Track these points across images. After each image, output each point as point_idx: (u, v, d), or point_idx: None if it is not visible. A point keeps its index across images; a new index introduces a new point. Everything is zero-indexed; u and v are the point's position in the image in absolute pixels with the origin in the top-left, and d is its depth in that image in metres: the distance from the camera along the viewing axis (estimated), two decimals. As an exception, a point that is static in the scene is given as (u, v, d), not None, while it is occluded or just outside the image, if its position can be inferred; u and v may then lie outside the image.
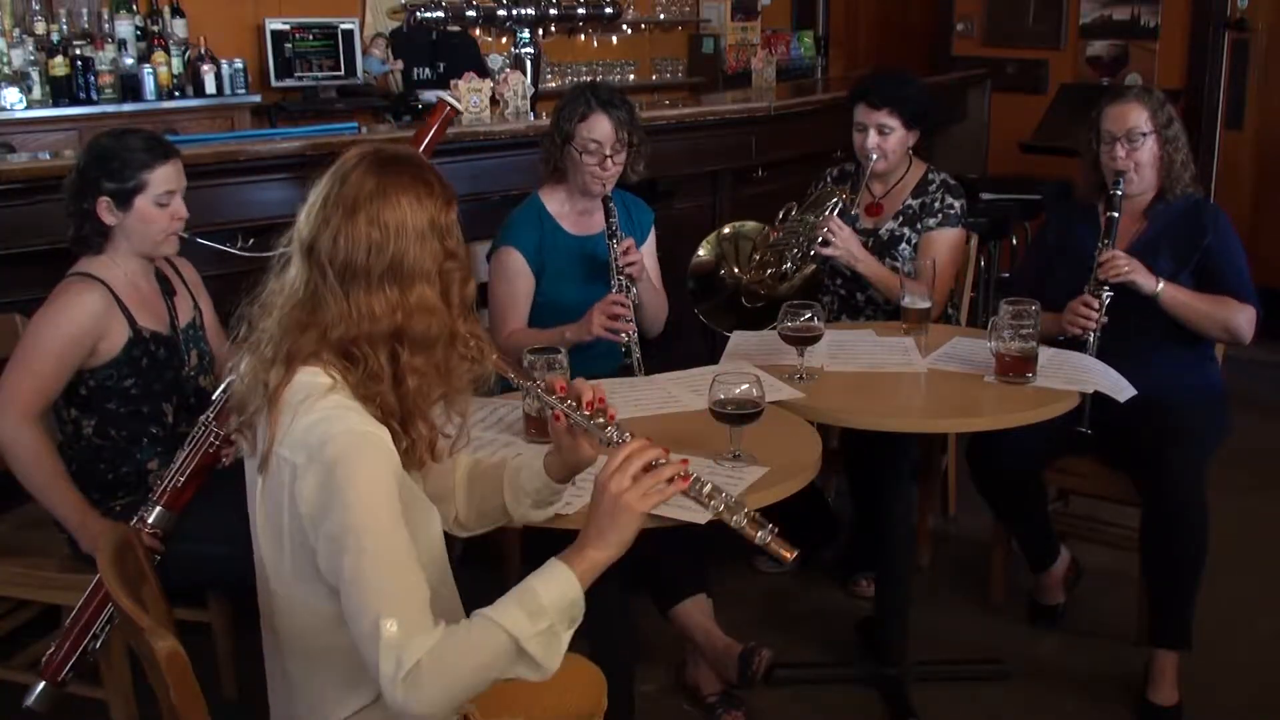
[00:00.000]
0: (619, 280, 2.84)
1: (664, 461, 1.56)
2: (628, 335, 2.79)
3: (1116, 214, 2.89)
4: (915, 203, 3.29)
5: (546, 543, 1.84)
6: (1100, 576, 3.29)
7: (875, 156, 3.21)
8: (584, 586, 1.51)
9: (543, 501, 1.79)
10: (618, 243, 2.87)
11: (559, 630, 1.49)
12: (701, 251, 3.11)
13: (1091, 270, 2.84)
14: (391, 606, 1.42)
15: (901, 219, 3.29)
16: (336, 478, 1.46)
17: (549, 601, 1.47)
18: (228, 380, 2.34)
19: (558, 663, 1.49)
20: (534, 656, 1.46)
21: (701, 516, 1.89)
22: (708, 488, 1.59)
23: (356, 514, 1.45)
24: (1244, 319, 2.85)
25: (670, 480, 1.55)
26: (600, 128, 2.90)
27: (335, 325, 1.52)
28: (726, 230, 3.17)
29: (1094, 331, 2.81)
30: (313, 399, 1.51)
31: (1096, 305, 2.81)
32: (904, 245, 3.26)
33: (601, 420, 1.66)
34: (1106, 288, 2.82)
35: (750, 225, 3.20)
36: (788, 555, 1.57)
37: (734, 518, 1.58)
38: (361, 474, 1.47)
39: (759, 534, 1.57)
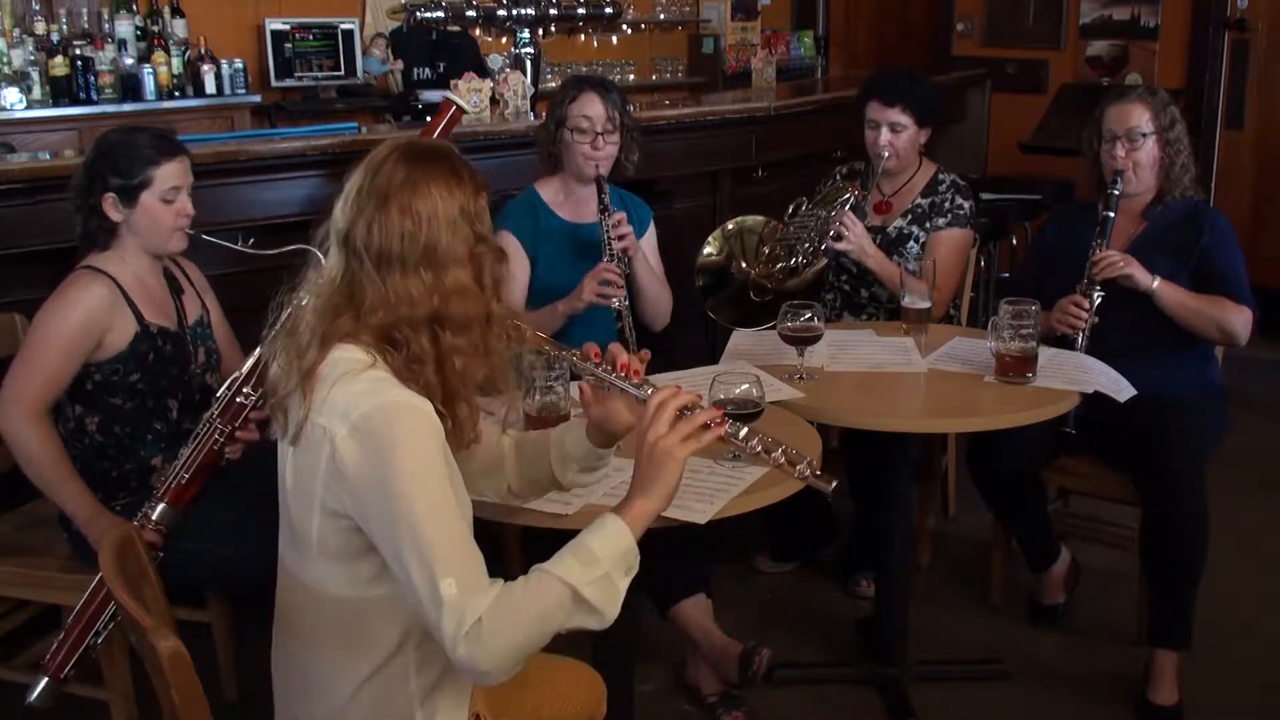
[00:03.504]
0: (611, 252, 2.89)
1: (699, 407, 1.60)
2: (618, 300, 2.86)
3: (1112, 214, 2.90)
4: (924, 202, 3.29)
5: (547, 541, 1.84)
6: (1100, 576, 3.29)
7: (887, 154, 3.20)
8: (635, 536, 1.54)
9: (589, 466, 1.82)
10: (609, 217, 2.92)
11: (615, 577, 1.52)
12: (708, 249, 3.12)
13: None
14: (448, 567, 1.45)
15: (910, 217, 3.28)
16: (386, 447, 1.48)
17: (602, 551, 1.51)
18: (233, 376, 2.34)
19: (616, 610, 1.52)
20: (592, 603, 1.49)
21: (701, 517, 1.90)
22: (744, 431, 1.63)
23: (408, 480, 1.48)
24: (1240, 321, 2.84)
25: (707, 426, 1.59)
26: (591, 106, 2.95)
27: (374, 310, 1.56)
28: (731, 226, 3.18)
29: (1083, 331, 2.81)
30: (352, 372, 1.54)
31: (1087, 305, 2.82)
32: (912, 244, 3.26)
33: (636, 381, 1.70)
34: (1098, 288, 2.83)
35: (753, 219, 3.20)
36: (828, 487, 1.63)
37: (773, 456, 1.62)
38: (411, 442, 1.50)
39: (798, 468, 1.62)
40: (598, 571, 1.49)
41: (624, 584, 1.53)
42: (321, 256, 1.64)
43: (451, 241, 1.57)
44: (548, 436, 1.83)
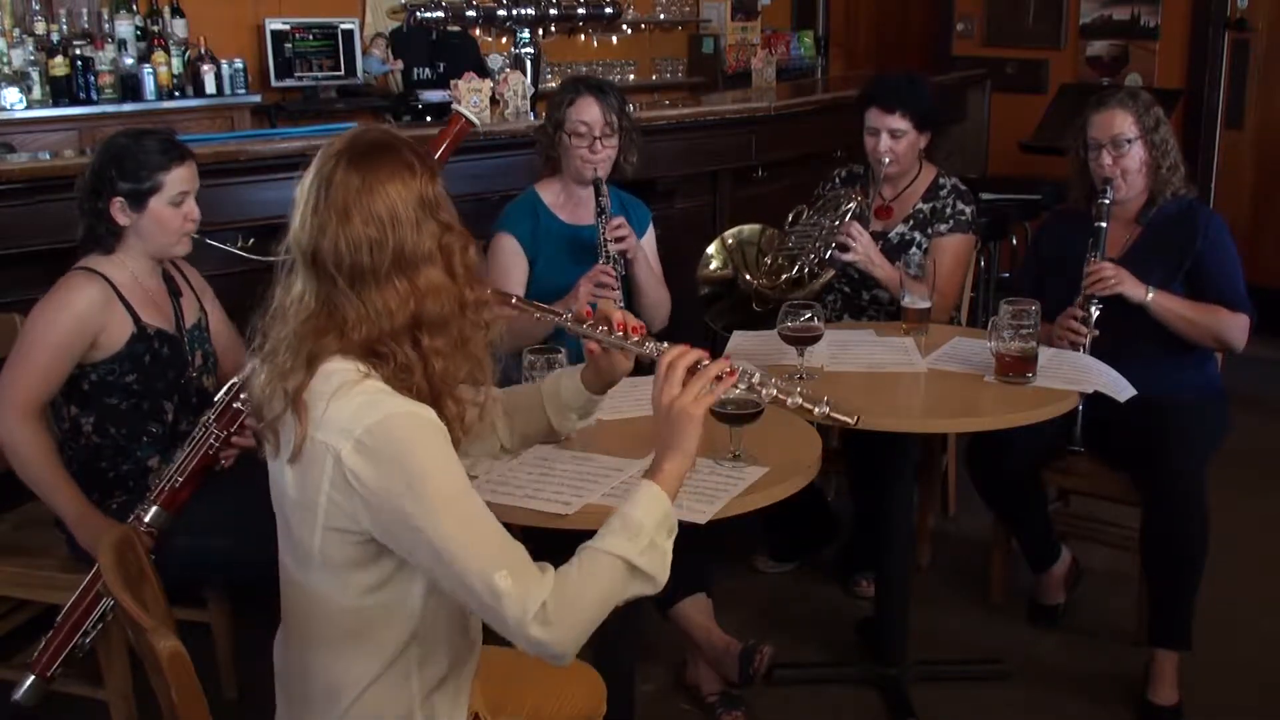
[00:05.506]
0: (607, 254, 2.89)
1: (707, 363, 1.62)
2: (613, 303, 2.83)
3: (1104, 224, 2.87)
4: (926, 207, 3.28)
5: (548, 540, 1.85)
6: (1100, 576, 3.30)
7: (888, 161, 3.20)
8: (671, 497, 1.58)
9: (586, 412, 1.89)
10: (606, 219, 2.92)
11: (659, 541, 1.55)
12: (713, 264, 3.12)
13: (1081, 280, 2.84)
14: (497, 561, 1.46)
15: (912, 223, 3.27)
16: (399, 459, 1.47)
17: (645, 518, 1.54)
18: (231, 382, 2.34)
19: (667, 573, 1.56)
20: (645, 571, 1.53)
21: (701, 517, 1.90)
22: (757, 376, 1.65)
23: (432, 488, 1.47)
24: (1236, 329, 2.84)
25: (719, 378, 1.61)
26: (588, 111, 2.95)
27: (356, 327, 1.54)
28: (729, 240, 3.17)
29: (1083, 346, 2.80)
30: (348, 385, 1.52)
31: (1083, 315, 2.81)
32: (914, 249, 3.25)
33: (637, 338, 1.73)
34: (1095, 301, 2.82)
35: (749, 229, 3.19)
36: (851, 420, 1.65)
37: (789, 399, 1.65)
38: (427, 450, 1.49)
39: (817, 409, 1.65)
40: (644, 540, 1.53)
41: (668, 545, 1.56)
42: None
43: (418, 239, 1.54)
44: (537, 392, 1.88)
